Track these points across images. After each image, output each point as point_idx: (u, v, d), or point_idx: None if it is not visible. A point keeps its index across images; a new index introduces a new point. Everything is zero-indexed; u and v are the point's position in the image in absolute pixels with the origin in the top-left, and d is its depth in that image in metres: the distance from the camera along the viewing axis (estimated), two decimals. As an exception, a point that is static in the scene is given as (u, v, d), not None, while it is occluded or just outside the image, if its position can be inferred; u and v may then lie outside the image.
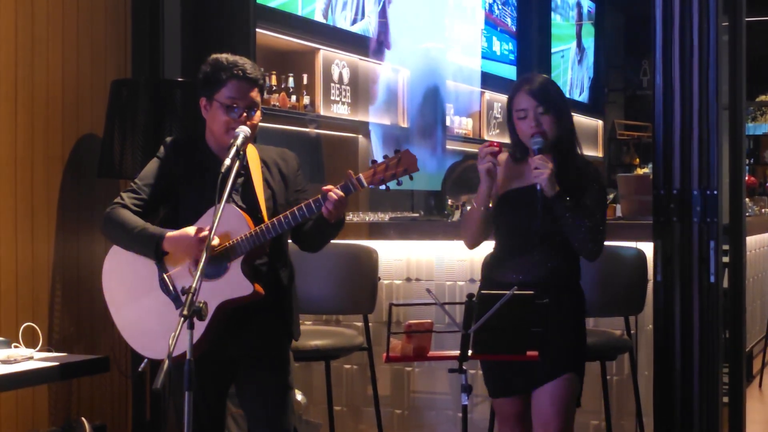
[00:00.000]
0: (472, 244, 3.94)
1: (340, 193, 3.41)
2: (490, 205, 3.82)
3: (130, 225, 3.56)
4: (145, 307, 3.59)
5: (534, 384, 3.73)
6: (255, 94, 3.58)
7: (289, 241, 3.75)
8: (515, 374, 3.73)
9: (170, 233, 3.50)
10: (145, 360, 3.57)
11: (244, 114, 3.54)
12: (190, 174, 3.60)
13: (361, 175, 3.42)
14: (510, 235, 3.82)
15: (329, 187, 3.43)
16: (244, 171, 3.60)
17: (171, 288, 3.54)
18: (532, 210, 3.71)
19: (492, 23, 10.95)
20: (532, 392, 3.75)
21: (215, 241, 3.43)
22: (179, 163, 3.63)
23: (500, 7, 11.12)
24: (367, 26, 8.36)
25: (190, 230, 3.48)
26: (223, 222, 3.36)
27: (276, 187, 3.64)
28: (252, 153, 3.65)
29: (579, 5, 13.34)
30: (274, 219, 3.46)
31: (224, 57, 3.61)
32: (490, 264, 3.91)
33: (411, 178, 3.42)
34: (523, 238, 3.76)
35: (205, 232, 3.37)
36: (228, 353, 3.62)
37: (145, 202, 3.63)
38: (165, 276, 3.56)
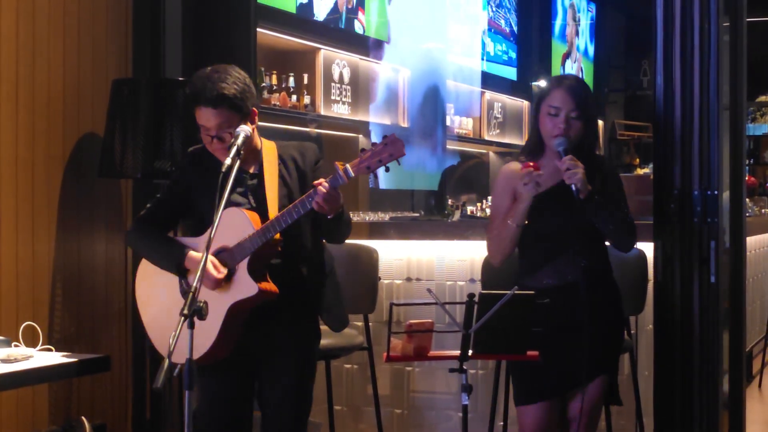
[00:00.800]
0: (502, 260, 3.84)
1: (326, 185, 3.38)
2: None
3: (153, 243, 3.69)
4: (166, 309, 3.64)
5: (568, 387, 3.73)
6: (219, 114, 3.48)
7: None
8: (550, 378, 3.70)
9: (190, 254, 3.58)
10: (178, 365, 3.57)
11: (215, 140, 3.52)
12: (202, 181, 3.62)
13: (348, 165, 3.38)
14: (539, 240, 3.77)
15: (319, 180, 3.42)
16: (259, 171, 3.62)
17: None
18: (557, 212, 3.70)
19: (487, 25, 10.94)
20: (568, 398, 3.74)
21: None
22: (193, 172, 3.66)
23: (494, 9, 11.09)
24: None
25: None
26: (229, 226, 3.40)
27: (292, 184, 3.62)
28: (270, 150, 3.65)
29: (579, 5, 13.34)
30: (273, 219, 3.46)
31: (199, 78, 3.54)
32: (522, 271, 3.85)
33: (398, 163, 3.39)
34: (553, 241, 3.73)
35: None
36: (250, 349, 3.64)
37: (164, 213, 3.74)
38: (183, 281, 3.62)
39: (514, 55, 11.56)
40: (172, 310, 3.57)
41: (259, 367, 3.68)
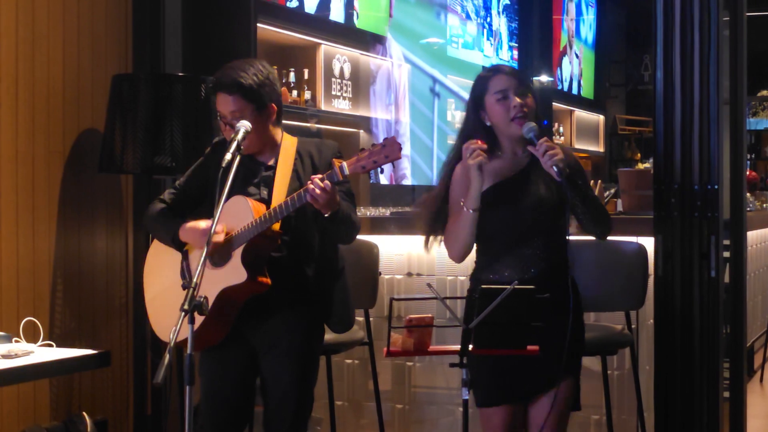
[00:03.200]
0: (462, 255, 3.71)
1: (320, 184, 3.40)
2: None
3: (157, 217, 3.76)
4: (167, 293, 3.70)
5: (531, 390, 3.62)
6: (234, 102, 3.58)
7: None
8: (511, 381, 3.61)
9: (185, 225, 3.65)
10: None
11: (227, 127, 3.60)
12: (218, 171, 3.63)
13: (344, 163, 3.42)
14: (495, 234, 3.65)
15: (315, 176, 3.45)
16: (274, 163, 3.67)
17: (186, 276, 3.66)
18: (514, 205, 3.60)
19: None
20: (530, 401, 3.64)
21: (219, 230, 3.51)
22: (213, 161, 3.68)
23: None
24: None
25: (201, 223, 3.62)
26: (231, 213, 3.48)
27: (305, 179, 3.62)
28: (289, 145, 3.71)
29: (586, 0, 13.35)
30: (270, 209, 3.49)
31: (225, 66, 3.65)
32: (477, 265, 3.75)
33: (393, 165, 3.44)
34: (513, 234, 3.62)
35: (208, 225, 3.47)
36: (250, 344, 3.68)
37: (179, 196, 3.79)
38: (183, 264, 3.68)
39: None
40: (169, 291, 3.67)
41: (262, 363, 3.69)
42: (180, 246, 3.69)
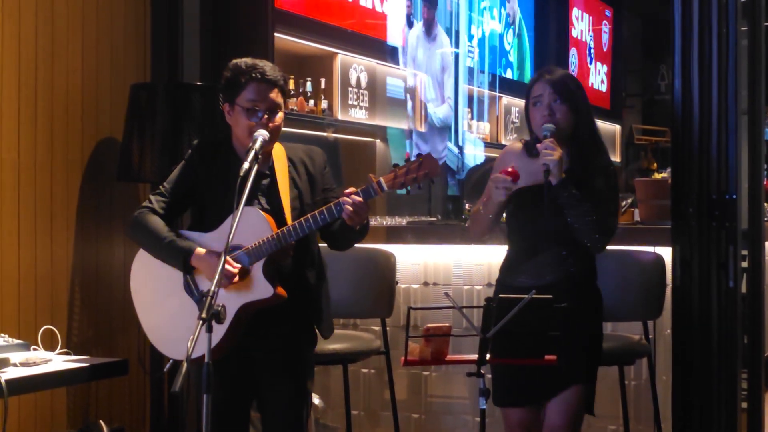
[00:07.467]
0: (479, 237, 3.89)
1: (359, 199, 3.39)
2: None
3: (160, 235, 3.57)
4: (169, 309, 3.62)
5: (545, 394, 3.67)
6: (275, 95, 3.57)
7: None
8: (527, 384, 3.65)
9: (198, 251, 3.52)
10: (171, 361, 3.60)
11: (266, 116, 3.54)
12: (214, 177, 3.61)
13: (381, 179, 3.39)
14: (522, 236, 3.75)
15: (350, 190, 3.42)
16: (270, 172, 3.62)
17: (194, 290, 3.56)
18: (541, 210, 3.62)
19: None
20: (545, 403, 3.69)
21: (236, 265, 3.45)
22: (205, 166, 3.64)
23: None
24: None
25: (215, 252, 3.49)
26: (246, 225, 3.38)
27: (302, 187, 3.63)
28: (279, 152, 3.66)
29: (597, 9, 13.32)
30: (295, 223, 3.46)
31: (243, 61, 3.60)
32: (504, 267, 3.84)
33: (432, 182, 3.40)
34: (535, 238, 3.68)
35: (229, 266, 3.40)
36: (251, 353, 3.64)
37: (169, 204, 3.65)
38: (189, 278, 3.58)
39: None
40: (179, 311, 3.57)
41: (262, 371, 3.66)
42: (190, 271, 3.56)
